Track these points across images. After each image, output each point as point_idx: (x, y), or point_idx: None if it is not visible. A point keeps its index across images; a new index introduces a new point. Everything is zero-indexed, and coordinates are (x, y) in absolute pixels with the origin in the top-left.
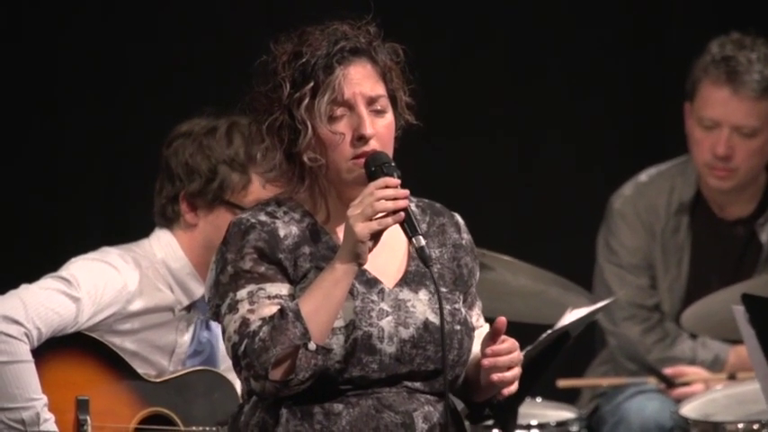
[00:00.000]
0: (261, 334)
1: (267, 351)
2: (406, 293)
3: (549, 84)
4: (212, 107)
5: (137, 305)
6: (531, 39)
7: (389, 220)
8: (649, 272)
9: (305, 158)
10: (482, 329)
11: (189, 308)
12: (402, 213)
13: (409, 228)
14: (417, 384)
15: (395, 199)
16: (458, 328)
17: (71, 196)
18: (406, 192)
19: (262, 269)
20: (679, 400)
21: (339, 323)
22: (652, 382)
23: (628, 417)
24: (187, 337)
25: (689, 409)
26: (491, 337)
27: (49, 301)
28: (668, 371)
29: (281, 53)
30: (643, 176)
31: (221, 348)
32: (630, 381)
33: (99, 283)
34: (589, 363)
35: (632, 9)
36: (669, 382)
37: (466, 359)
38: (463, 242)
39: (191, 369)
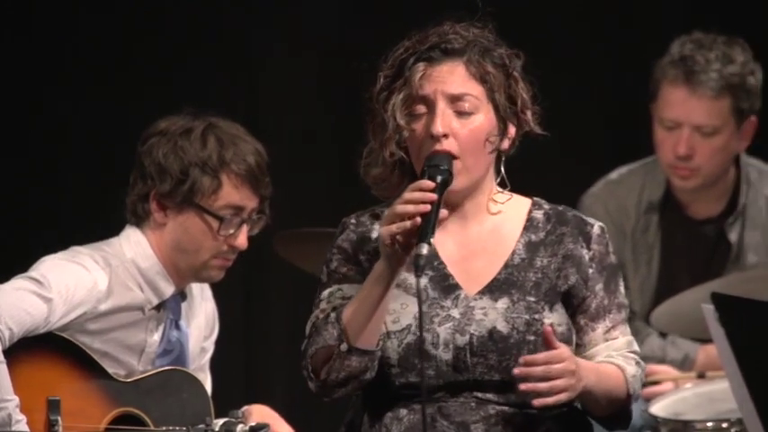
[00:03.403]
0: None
1: (307, 352)
2: (484, 301)
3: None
4: (191, 107)
5: (107, 304)
6: (517, 38)
7: (407, 224)
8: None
9: (385, 153)
10: (613, 343)
11: (158, 307)
12: (418, 218)
13: (420, 233)
14: (489, 395)
15: (422, 203)
16: (531, 338)
17: (42, 195)
18: (433, 196)
19: (344, 270)
20: (649, 399)
21: (396, 327)
22: None
23: None
24: (157, 336)
25: (658, 408)
26: (543, 347)
27: (21, 302)
28: None
29: (395, 53)
30: (613, 175)
31: (191, 348)
32: None
33: (70, 283)
34: None
35: (618, 9)
36: None
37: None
38: (587, 254)
39: (161, 369)
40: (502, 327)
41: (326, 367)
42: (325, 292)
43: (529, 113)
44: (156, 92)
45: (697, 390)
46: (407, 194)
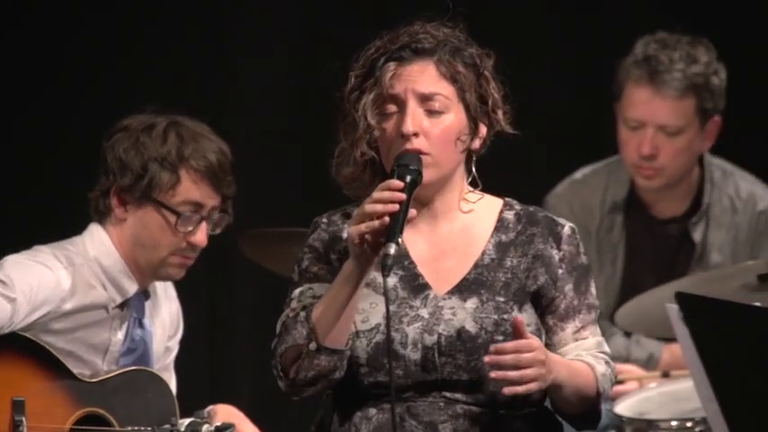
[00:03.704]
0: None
1: (276, 350)
2: (453, 301)
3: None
4: (157, 105)
5: (71, 303)
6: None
7: (376, 223)
8: None
9: (356, 153)
10: (583, 343)
11: (122, 306)
12: (386, 218)
13: (388, 233)
14: (458, 395)
15: (391, 202)
16: (499, 338)
17: (42, 195)
18: (401, 196)
19: (315, 269)
20: (613, 398)
21: (365, 326)
22: None
23: None
24: (120, 335)
25: (623, 407)
26: (513, 338)
27: None
28: None
29: (367, 52)
30: (577, 175)
31: (155, 347)
32: None
33: (33, 283)
34: None
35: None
36: None
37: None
38: (557, 254)
39: (125, 369)
40: (470, 327)
41: (295, 366)
42: (296, 291)
43: (500, 113)
44: (126, 93)
45: (661, 389)
46: (376, 194)
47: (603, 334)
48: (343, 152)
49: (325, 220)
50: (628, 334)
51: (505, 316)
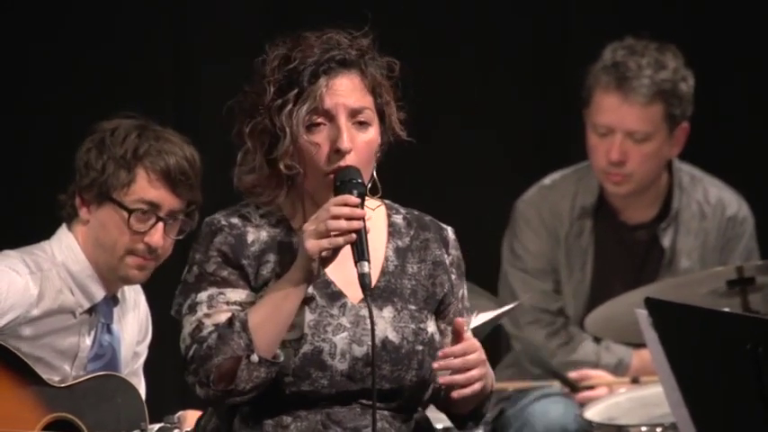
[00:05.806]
0: (209, 341)
1: (210, 359)
2: None
3: (461, 85)
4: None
5: (39, 309)
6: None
7: (340, 240)
8: (553, 276)
9: (281, 165)
10: None
11: (90, 311)
12: (353, 235)
13: (358, 251)
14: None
15: (351, 219)
16: (419, 348)
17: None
18: (363, 212)
19: (224, 273)
20: (583, 404)
21: (291, 336)
22: (556, 385)
23: (532, 420)
24: (89, 340)
25: (593, 413)
26: (454, 340)
27: None
28: (572, 374)
29: (273, 57)
30: (547, 181)
31: (123, 352)
32: (535, 384)
33: (1, 288)
34: (494, 367)
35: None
36: (573, 386)
37: (427, 379)
38: (447, 259)
39: (94, 374)
40: (393, 337)
41: (229, 376)
42: (203, 295)
43: (396, 119)
44: (97, 100)
45: (630, 394)
46: (336, 210)
47: (573, 339)
48: (246, 159)
49: (224, 222)
50: (597, 339)
51: (422, 325)
